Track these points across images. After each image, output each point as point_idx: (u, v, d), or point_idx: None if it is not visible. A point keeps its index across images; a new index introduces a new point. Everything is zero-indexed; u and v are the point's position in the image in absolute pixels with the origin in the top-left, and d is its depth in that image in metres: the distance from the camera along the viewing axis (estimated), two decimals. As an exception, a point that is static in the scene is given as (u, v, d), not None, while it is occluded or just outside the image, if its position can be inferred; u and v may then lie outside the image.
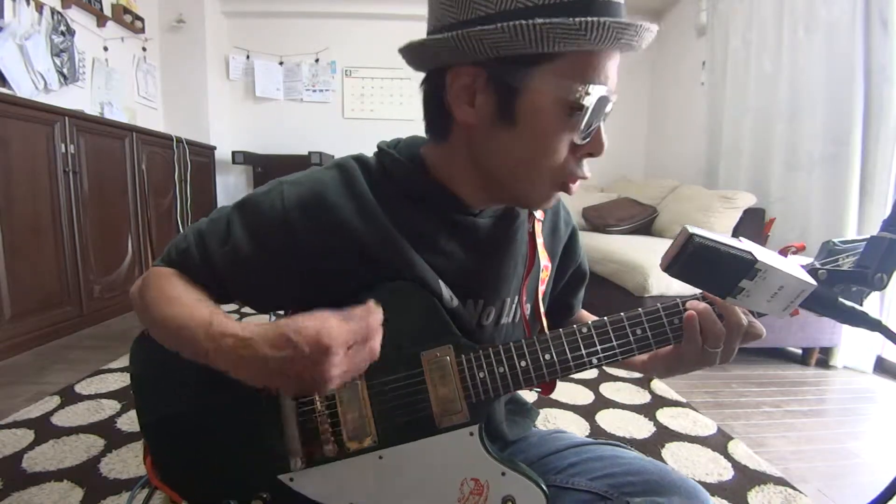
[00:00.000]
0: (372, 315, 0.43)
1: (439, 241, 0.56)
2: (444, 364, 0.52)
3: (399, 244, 0.53)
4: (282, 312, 0.63)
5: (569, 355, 0.51)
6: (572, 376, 0.70)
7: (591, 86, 0.44)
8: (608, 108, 0.47)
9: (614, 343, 0.51)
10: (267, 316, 2.42)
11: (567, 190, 0.51)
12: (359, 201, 0.53)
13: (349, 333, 0.41)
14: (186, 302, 0.50)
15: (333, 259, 0.53)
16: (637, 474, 0.54)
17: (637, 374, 1.84)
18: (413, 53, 0.49)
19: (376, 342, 0.44)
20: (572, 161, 0.49)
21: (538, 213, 0.61)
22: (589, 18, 0.40)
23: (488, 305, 0.60)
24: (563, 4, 0.42)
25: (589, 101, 0.44)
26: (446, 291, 0.55)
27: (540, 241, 0.61)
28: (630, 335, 0.51)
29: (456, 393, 0.51)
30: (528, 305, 0.61)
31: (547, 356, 0.51)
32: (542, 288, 0.61)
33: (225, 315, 0.47)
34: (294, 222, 0.52)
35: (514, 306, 0.62)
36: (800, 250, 0.49)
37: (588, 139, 0.48)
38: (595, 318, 0.57)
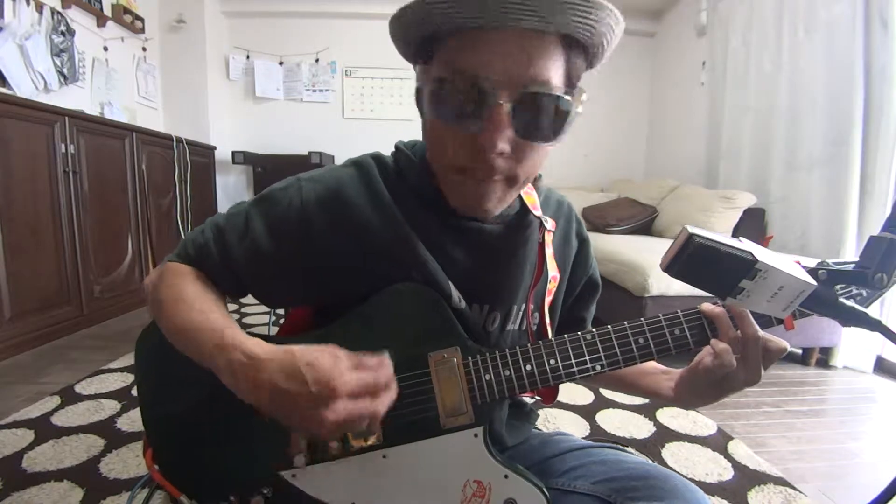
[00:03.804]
0: (383, 368, 0.43)
1: (446, 245, 0.56)
2: (450, 365, 0.52)
3: (413, 244, 0.54)
4: (281, 311, 0.63)
5: (573, 361, 0.51)
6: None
7: (437, 69, 0.45)
8: (491, 99, 0.42)
9: (617, 351, 0.51)
10: (267, 316, 2.43)
11: (480, 190, 0.49)
12: (375, 200, 0.54)
13: (358, 383, 0.41)
14: (201, 307, 0.51)
15: (348, 256, 0.54)
16: (640, 479, 0.54)
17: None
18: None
19: (382, 403, 0.42)
20: (470, 155, 0.46)
21: (549, 224, 0.60)
22: None
23: (493, 311, 0.60)
24: None
25: (427, 84, 0.46)
26: (455, 293, 0.56)
27: (549, 251, 0.60)
28: (632, 343, 0.51)
29: (461, 394, 0.51)
30: (536, 315, 0.61)
31: (552, 361, 0.51)
32: (548, 299, 0.61)
33: (238, 328, 0.48)
34: (311, 219, 0.53)
35: (520, 314, 0.62)
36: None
37: (472, 130, 0.44)
38: None
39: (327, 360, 0.41)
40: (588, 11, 0.41)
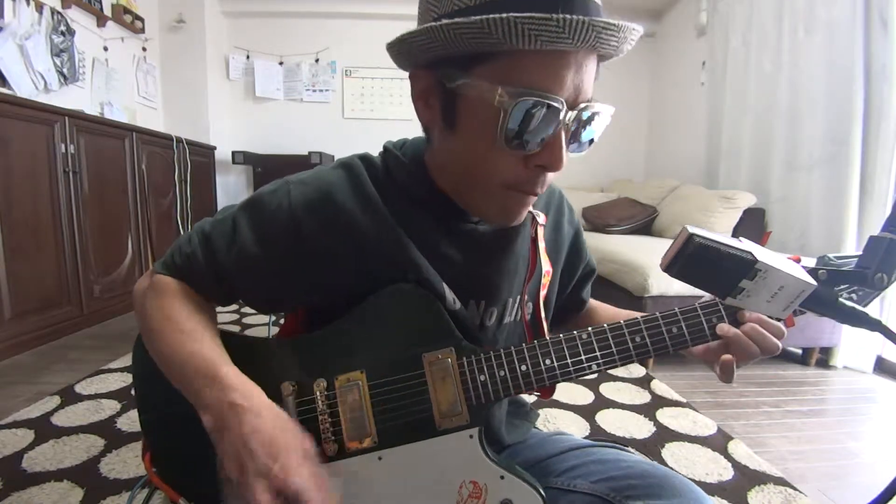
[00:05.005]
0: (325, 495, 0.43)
1: (440, 245, 0.56)
2: (445, 366, 0.51)
3: (405, 246, 0.53)
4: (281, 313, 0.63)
5: (569, 361, 0.51)
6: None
7: (514, 88, 0.41)
8: (561, 118, 0.43)
9: (613, 350, 0.51)
10: (267, 317, 2.43)
11: (524, 203, 0.50)
12: (365, 202, 0.53)
13: (309, 491, 0.41)
14: (192, 330, 0.51)
15: (339, 260, 0.53)
16: (639, 477, 0.54)
17: (638, 374, 1.85)
18: (394, 51, 0.48)
19: None
20: (524, 173, 0.46)
21: (541, 218, 0.60)
22: (517, 15, 0.37)
23: (490, 306, 0.60)
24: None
25: (508, 105, 0.41)
26: (449, 294, 0.56)
27: (542, 245, 0.60)
28: (629, 342, 0.51)
29: (457, 395, 0.51)
30: (530, 304, 0.61)
31: (547, 361, 0.51)
32: (543, 293, 0.61)
33: (231, 364, 0.49)
34: (301, 223, 0.52)
35: (515, 306, 0.62)
36: (796, 262, 0.49)
37: (534, 149, 0.44)
38: (604, 305, 0.63)
39: (308, 464, 0.43)
40: (636, 37, 0.43)
